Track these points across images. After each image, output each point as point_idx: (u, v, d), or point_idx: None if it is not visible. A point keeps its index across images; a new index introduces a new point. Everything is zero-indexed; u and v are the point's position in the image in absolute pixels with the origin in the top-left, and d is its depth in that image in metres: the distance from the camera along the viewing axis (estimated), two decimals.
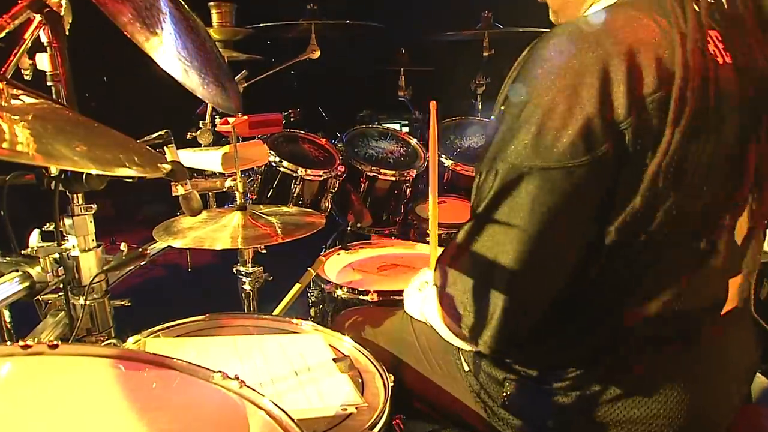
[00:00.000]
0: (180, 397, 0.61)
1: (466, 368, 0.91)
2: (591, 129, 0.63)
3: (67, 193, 1.00)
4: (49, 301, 1.08)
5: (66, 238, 1.04)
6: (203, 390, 0.61)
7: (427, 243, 1.86)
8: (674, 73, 0.64)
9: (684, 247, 0.71)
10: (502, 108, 0.71)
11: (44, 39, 0.90)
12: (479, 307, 0.72)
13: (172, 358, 0.63)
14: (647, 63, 0.64)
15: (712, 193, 0.69)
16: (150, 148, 0.81)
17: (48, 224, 1.03)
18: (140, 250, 0.97)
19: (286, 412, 0.56)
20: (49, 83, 0.97)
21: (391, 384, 0.86)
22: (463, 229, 0.76)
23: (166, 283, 2.80)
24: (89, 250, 1.04)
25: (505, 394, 0.84)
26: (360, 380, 0.90)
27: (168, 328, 1.03)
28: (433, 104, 1.21)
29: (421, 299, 0.95)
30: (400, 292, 1.39)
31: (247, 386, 0.60)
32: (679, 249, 0.71)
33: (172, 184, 1.25)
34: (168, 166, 0.75)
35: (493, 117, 0.75)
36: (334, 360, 0.94)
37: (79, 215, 1.02)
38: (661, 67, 0.64)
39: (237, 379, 0.60)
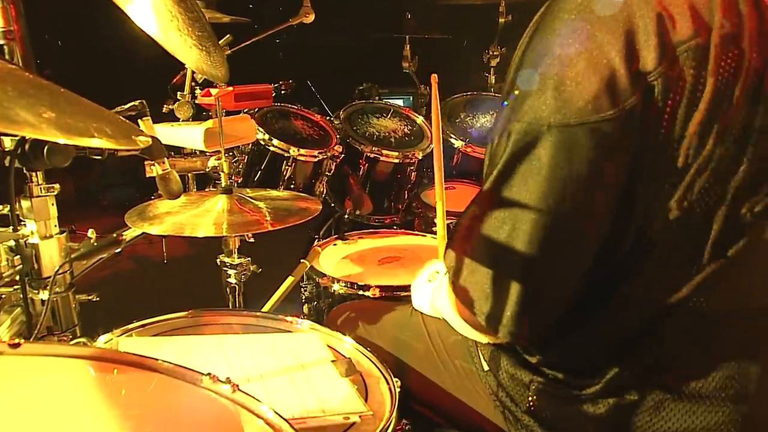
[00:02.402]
0: (164, 403, 0.60)
1: (486, 367, 0.91)
2: (616, 80, 0.63)
3: (25, 171, 0.98)
4: (3, 296, 1.07)
5: (23, 222, 1.01)
6: (191, 395, 0.60)
7: (434, 233, 1.86)
8: (714, 18, 0.64)
9: (730, 219, 0.69)
10: (517, 66, 0.71)
11: None
12: (495, 291, 0.71)
13: (155, 359, 0.61)
14: (680, 7, 0.64)
15: (760, 157, 0.68)
16: (125, 119, 0.79)
17: (1, 207, 1.00)
18: (114, 235, 0.95)
19: (287, 421, 0.55)
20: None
21: (398, 389, 0.86)
22: (473, 204, 0.75)
23: (139, 277, 2.79)
24: (51, 236, 1.02)
25: (531, 398, 0.83)
26: (363, 385, 0.89)
27: (143, 326, 1.02)
28: (434, 78, 1.19)
29: (430, 291, 0.94)
30: (404, 288, 1.40)
31: (242, 391, 0.59)
32: (726, 221, 0.69)
33: (146, 163, 1.22)
34: (146, 139, 0.72)
35: (507, 81, 0.74)
36: (334, 362, 0.93)
37: (38, 196, 1.00)
38: (697, 12, 0.64)
39: (229, 382, 0.59)
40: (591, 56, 0.63)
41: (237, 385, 0.59)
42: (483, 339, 0.83)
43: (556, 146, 0.64)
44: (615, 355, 0.76)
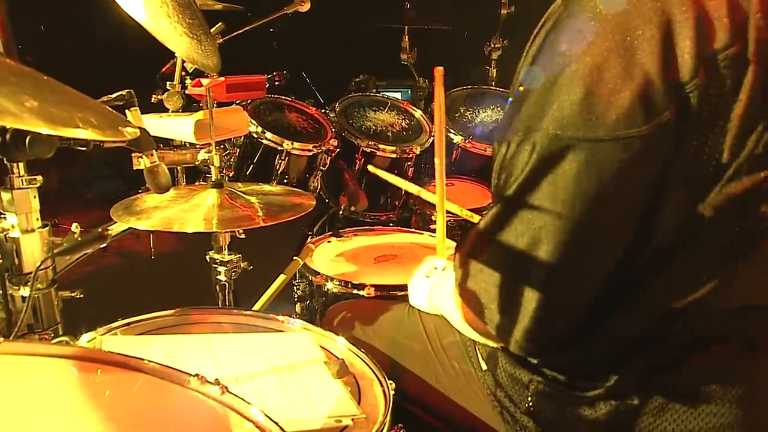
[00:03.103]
0: (150, 405, 0.59)
1: (484, 366, 0.91)
2: (651, 92, 0.60)
3: (6, 162, 0.97)
4: None
5: (4, 215, 1.00)
6: (178, 396, 0.59)
7: (432, 231, 1.86)
8: (747, 23, 0.62)
9: (741, 228, 0.69)
10: (533, 67, 0.68)
11: None
12: (508, 301, 0.70)
13: (140, 359, 0.61)
14: (718, 11, 0.62)
15: None
16: (111, 109, 0.78)
17: None
18: (99, 230, 0.94)
19: (277, 424, 0.55)
20: None
21: (392, 392, 0.86)
22: (488, 214, 0.74)
23: (125, 274, 2.78)
24: (33, 230, 1.01)
25: (530, 398, 0.83)
26: (356, 387, 0.89)
27: (128, 324, 1.02)
28: (438, 71, 1.18)
29: (428, 286, 0.94)
30: (400, 287, 1.40)
31: (231, 392, 0.58)
32: (737, 230, 0.69)
33: (134, 155, 1.22)
34: (133, 130, 0.72)
35: (517, 78, 0.72)
36: (326, 363, 0.93)
37: (20, 189, 0.99)
38: (735, 16, 0.62)
39: (218, 383, 0.58)
40: (624, 64, 0.60)
41: (226, 387, 0.59)
42: (482, 339, 0.83)
43: (584, 161, 0.63)
44: (618, 358, 0.76)
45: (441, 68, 1.19)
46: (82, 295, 1.15)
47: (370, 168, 1.86)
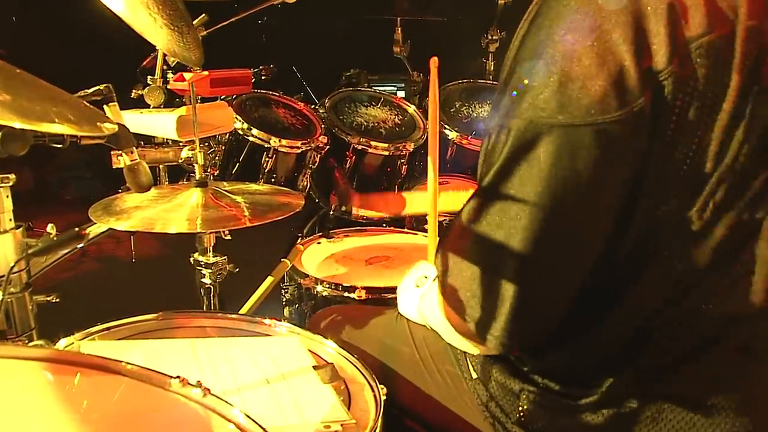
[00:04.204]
0: (129, 408, 0.60)
1: (474, 375, 0.92)
2: (625, 78, 0.63)
3: None
4: None
5: None
6: (158, 399, 0.60)
7: (426, 232, 1.87)
8: (736, 10, 0.63)
9: (741, 223, 0.70)
10: (516, 56, 0.71)
11: None
12: (487, 296, 0.71)
13: (119, 361, 0.62)
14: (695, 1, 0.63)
15: None
16: (89, 104, 0.79)
17: None
18: (76, 229, 0.95)
19: (260, 425, 0.56)
20: None
21: (384, 397, 0.87)
22: (467, 204, 0.75)
23: (104, 277, 2.78)
24: (5, 231, 1.01)
25: (521, 408, 0.84)
26: (346, 392, 0.90)
27: (108, 329, 1.02)
28: (433, 61, 1.20)
29: (418, 296, 0.95)
30: (392, 289, 1.40)
31: (213, 395, 0.59)
32: (731, 227, 0.70)
33: (113, 153, 1.22)
34: (111, 126, 0.73)
35: (504, 68, 0.74)
36: (315, 368, 0.94)
37: None
38: (713, 4, 0.64)
39: (200, 385, 0.59)
40: (599, 51, 0.63)
41: (208, 389, 0.60)
42: (473, 350, 0.84)
43: (558, 147, 0.65)
44: (611, 363, 0.77)
45: (436, 58, 1.21)
46: (58, 300, 1.15)
47: (355, 212, 1.89)
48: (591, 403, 0.78)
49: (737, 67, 0.64)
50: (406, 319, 1.03)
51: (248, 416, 0.57)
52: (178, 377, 0.60)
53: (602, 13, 0.64)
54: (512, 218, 0.68)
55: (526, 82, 0.67)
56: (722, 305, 0.73)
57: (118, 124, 1.01)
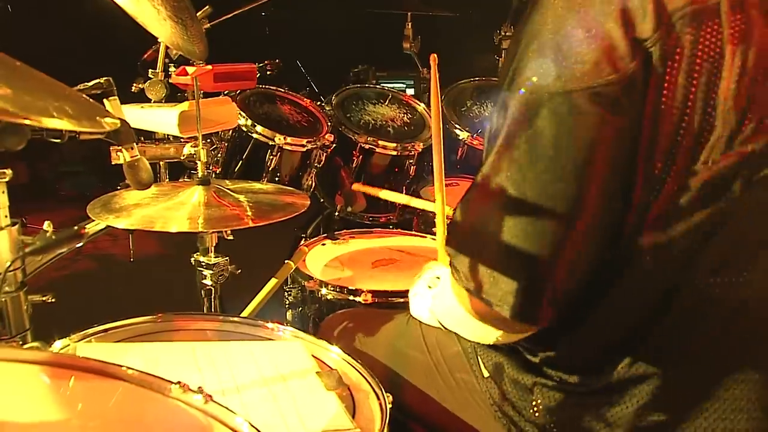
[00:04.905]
0: (128, 414, 0.60)
1: (486, 374, 0.93)
2: (615, 48, 0.69)
3: None
4: None
5: None
6: (158, 405, 0.60)
7: (435, 234, 1.87)
8: None
9: (746, 193, 0.72)
10: (516, 42, 0.76)
11: None
12: (500, 268, 0.74)
13: (118, 365, 0.62)
14: None
15: None
16: (88, 98, 0.79)
17: None
18: (75, 228, 0.95)
19: None
20: None
21: (389, 405, 0.87)
22: (472, 186, 0.80)
23: (101, 277, 2.79)
24: (1, 228, 1.01)
25: (535, 404, 0.85)
26: (351, 400, 0.90)
27: (105, 331, 1.02)
28: (433, 58, 1.20)
29: (431, 297, 0.95)
30: (399, 293, 1.41)
31: (214, 401, 0.59)
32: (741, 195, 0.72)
33: (112, 148, 1.22)
34: (112, 121, 0.73)
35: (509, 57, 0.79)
36: (319, 374, 0.94)
37: None
38: None
39: (201, 392, 0.59)
40: (588, 28, 0.69)
41: (210, 396, 0.60)
42: (490, 337, 0.84)
43: (559, 114, 0.70)
44: (621, 349, 0.79)
45: (435, 55, 1.22)
46: (53, 300, 1.15)
47: (355, 187, 1.89)
48: (601, 392, 0.80)
49: (728, 38, 0.69)
50: (419, 322, 1.04)
51: (252, 425, 0.57)
52: (179, 383, 0.60)
53: None
54: (519, 193, 0.72)
55: (523, 60, 0.73)
56: (733, 288, 0.75)
57: (118, 119, 1.02)
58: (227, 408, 0.59)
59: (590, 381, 0.81)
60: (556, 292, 0.75)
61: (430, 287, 0.99)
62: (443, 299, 0.89)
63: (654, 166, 0.72)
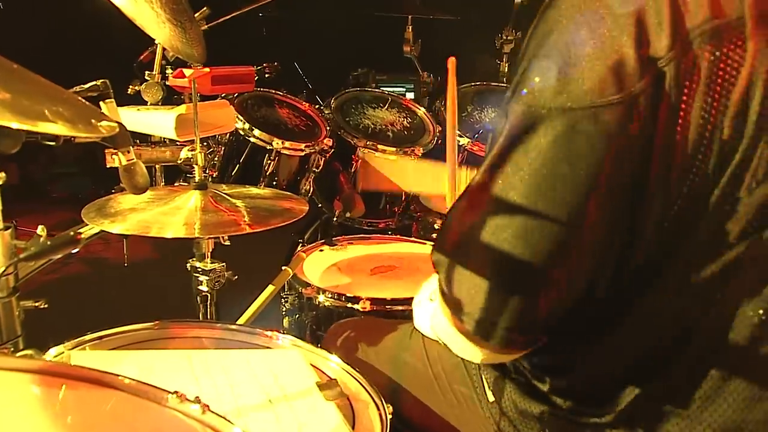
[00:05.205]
0: (123, 425, 0.60)
1: (491, 398, 0.92)
2: (624, 64, 0.65)
3: None
4: None
5: None
6: (155, 415, 0.60)
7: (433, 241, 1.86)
8: None
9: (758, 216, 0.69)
10: (523, 51, 0.74)
11: None
12: (482, 292, 0.72)
13: (114, 374, 0.61)
14: None
15: None
16: (84, 101, 0.79)
17: None
18: (71, 233, 0.95)
19: None
20: None
21: (389, 416, 0.86)
22: (463, 194, 0.77)
23: (94, 283, 2.78)
24: None
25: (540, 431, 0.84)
26: (350, 410, 0.90)
27: (100, 338, 1.02)
28: (451, 61, 1.20)
29: (431, 310, 0.95)
30: (399, 301, 1.41)
31: (212, 411, 0.59)
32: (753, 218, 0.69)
33: (107, 152, 1.22)
34: (111, 125, 0.73)
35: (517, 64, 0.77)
36: (318, 384, 0.93)
37: None
38: None
39: (199, 402, 0.59)
40: (599, 41, 0.66)
41: (207, 406, 0.60)
42: (477, 356, 0.83)
43: (556, 131, 0.67)
44: (632, 378, 0.77)
45: (453, 58, 1.20)
46: (46, 305, 1.15)
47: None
48: (611, 422, 0.78)
49: (752, 56, 0.65)
50: (421, 333, 1.03)
51: None
52: (176, 392, 0.60)
53: (605, 5, 0.67)
54: (509, 209, 0.70)
55: (527, 70, 0.71)
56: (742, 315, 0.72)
57: (115, 122, 1.02)
58: (225, 418, 0.59)
59: (600, 410, 0.79)
60: (538, 315, 0.73)
61: (431, 300, 0.98)
62: (439, 315, 0.87)
63: (670, 194, 0.69)
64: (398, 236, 1.93)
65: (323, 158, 2.13)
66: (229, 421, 0.59)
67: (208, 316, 1.42)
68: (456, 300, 0.76)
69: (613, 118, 0.65)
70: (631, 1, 0.66)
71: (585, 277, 0.72)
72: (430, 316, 0.95)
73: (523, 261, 0.70)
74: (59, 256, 0.98)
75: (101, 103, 1.10)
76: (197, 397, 0.60)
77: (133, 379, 0.61)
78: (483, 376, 0.94)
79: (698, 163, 0.67)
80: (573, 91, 0.66)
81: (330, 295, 1.44)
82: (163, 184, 1.83)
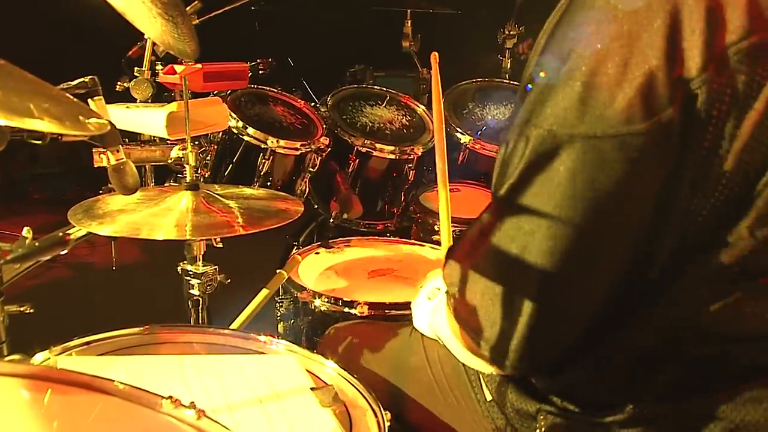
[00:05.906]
0: (117, 430, 0.60)
1: (489, 397, 0.93)
2: (653, 87, 0.64)
3: None
4: None
5: None
6: (148, 421, 0.60)
7: (435, 243, 1.87)
8: None
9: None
10: (539, 60, 0.72)
11: None
12: (502, 316, 0.73)
13: (110, 380, 0.62)
14: (734, 1, 0.64)
15: None
16: (72, 98, 0.80)
17: None
18: (60, 234, 0.95)
19: None
20: None
21: (388, 423, 0.87)
22: (481, 216, 0.77)
23: (80, 287, 2.78)
24: None
25: (538, 430, 0.85)
26: (347, 417, 0.90)
27: (88, 344, 1.02)
28: (434, 56, 1.20)
29: (430, 309, 0.96)
30: (397, 305, 1.42)
31: (208, 417, 0.60)
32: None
33: (95, 151, 1.23)
34: (99, 122, 0.73)
35: (527, 72, 0.75)
36: (313, 390, 0.94)
37: None
38: (755, 4, 0.64)
39: (194, 407, 0.60)
40: (626, 55, 0.64)
41: (203, 411, 0.60)
42: (486, 369, 0.85)
43: (578, 159, 0.66)
44: (633, 382, 0.78)
45: (436, 53, 1.20)
46: (32, 310, 1.15)
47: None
48: (611, 424, 0.79)
49: None
50: (422, 336, 1.05)
51: None
52: (170, 397, 0.61)
53: (632, 16, 0.65)
54: (527, 233, 0.70)
55: (547, 88, 0.69)
56: (747, 323, 0.74)
57: (106, 120, 1.02)
58: (221, 424, 0.59)
59: (599, 413, 0.80)
60: (553, 348, 0.75)
61: (430, 298, 0.99)
62: (440, 319, 0.89)
63: (694, 222, 0.68)
64: (397, 238, 1.94)
65: (319, 157, 2.14)
66: (225, 427, 0.59)
67: (200, 321, 1.42)
68: (468, 319, 0.77)
69: (640, 145, 0.64)
70: (663, 10, 0.64)
71: (600, 307, 0.73)
72: (430, 313, 0.96)
73: (544, 281, 0.70)
74: (47, 257, 0.99)
75: (89, 100, 1.11)
76: (192, 402, 0.61)
77: (126, 384, 0.61)
78: (481, 376, 0.95)
79: (721, 188, 0.67)
80: (597, 118, 0.64)
81: (326, 300, 1.44)
82: (153, 184, 1.83)
